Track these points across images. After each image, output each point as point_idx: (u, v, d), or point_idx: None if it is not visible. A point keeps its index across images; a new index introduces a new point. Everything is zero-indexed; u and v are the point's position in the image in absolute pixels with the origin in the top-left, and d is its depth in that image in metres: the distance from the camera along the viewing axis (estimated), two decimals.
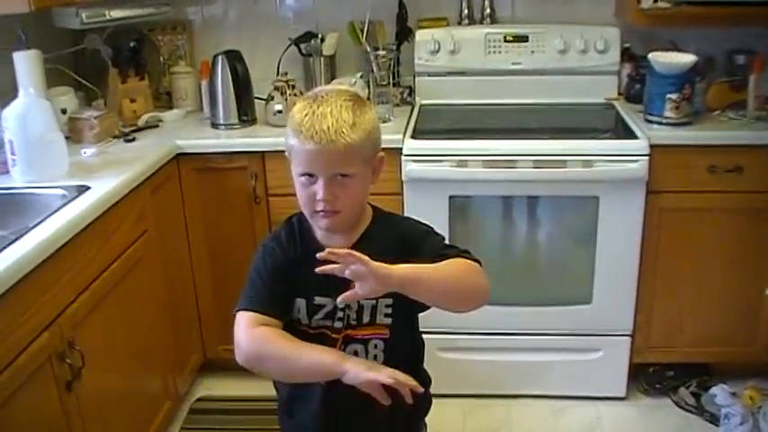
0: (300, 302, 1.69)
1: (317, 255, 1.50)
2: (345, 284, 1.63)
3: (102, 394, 2.38)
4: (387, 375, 1.49)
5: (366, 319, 1.69)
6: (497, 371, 3.17)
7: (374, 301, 1.67)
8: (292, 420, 1.85)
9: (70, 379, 2.13)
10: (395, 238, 1.69)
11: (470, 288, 1.63)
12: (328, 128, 1.54)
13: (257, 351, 1.62)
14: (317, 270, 1.51)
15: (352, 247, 1.67)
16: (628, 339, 3.09)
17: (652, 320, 3.07)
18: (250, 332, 1.62)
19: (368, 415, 1.71)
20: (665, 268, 3.00)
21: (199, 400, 3.24)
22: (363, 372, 1.50)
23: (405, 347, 1.76)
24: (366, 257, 1.47)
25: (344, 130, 1.55)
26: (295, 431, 1.87)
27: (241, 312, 1.66)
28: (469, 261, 1.63)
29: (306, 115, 1.57)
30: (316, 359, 1.56)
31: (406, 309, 1.69)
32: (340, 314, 1.68)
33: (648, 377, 3.21)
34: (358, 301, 1.66)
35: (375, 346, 1.70)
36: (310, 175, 1.60)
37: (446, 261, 1.60)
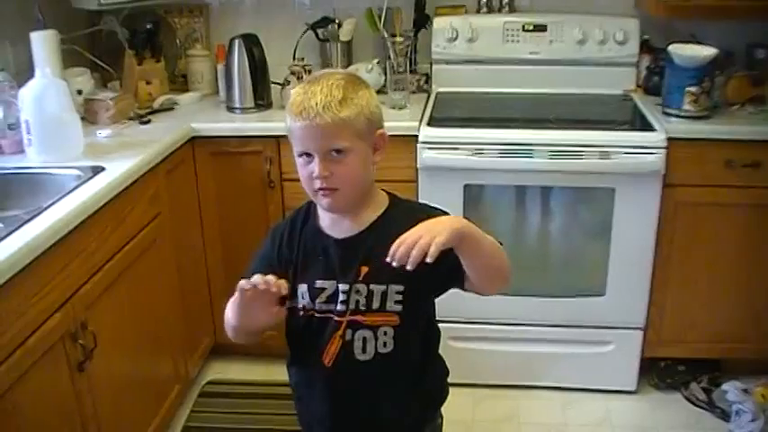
0: (303, 288, 1.70)
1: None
2: (348, 268, 1.66)
3: (114, 376, 2.39)
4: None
5: (376, 304, 1.67)
6: (508, 361, 3.16)
7: (384, 287, 1.66)
8: (302, 405, 1.85)
9: (82, 360, 2.14)
10: (410, 225, 1.63)
11: (504, 266, 1.64)
12: (316, 104, 1.56)
13: (225, 323, 1.75)
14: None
15: (361, 234, 1.68)
16: (640, 333, 3.07)
17: (665, 315, 3.06)
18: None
19: (375, 400, 1.71)
20: (680, 262, 2.99)
21: (209, 383, 3.25)
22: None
23: (416, 336, 1.74)
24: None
25: (332, 104, 1.56)
26: (305, 416, 1.87)
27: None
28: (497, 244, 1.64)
29: (299, 95, 1.60)
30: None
31: (417, 297, 1.68)
32: (343, 297, 1.67)
33: (659, 371, 3.19)
34: (368, 286, 1.66)
35: (385, 333, 1.69)
36: (307, 155, 1.61)
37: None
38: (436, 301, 1.79)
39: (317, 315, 1.70)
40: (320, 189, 1.62)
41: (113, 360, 2.37)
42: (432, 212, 1.70)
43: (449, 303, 1.82)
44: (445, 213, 1.69)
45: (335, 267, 1.68)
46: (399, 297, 1.67)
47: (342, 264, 1.67)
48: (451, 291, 1.75)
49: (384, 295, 1.67)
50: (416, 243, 1.42)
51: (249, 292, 1.54)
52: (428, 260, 1.41)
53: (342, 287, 1.67)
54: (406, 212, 1.70)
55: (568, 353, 3.12)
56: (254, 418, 3.02)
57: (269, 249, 1.76)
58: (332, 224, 1.70)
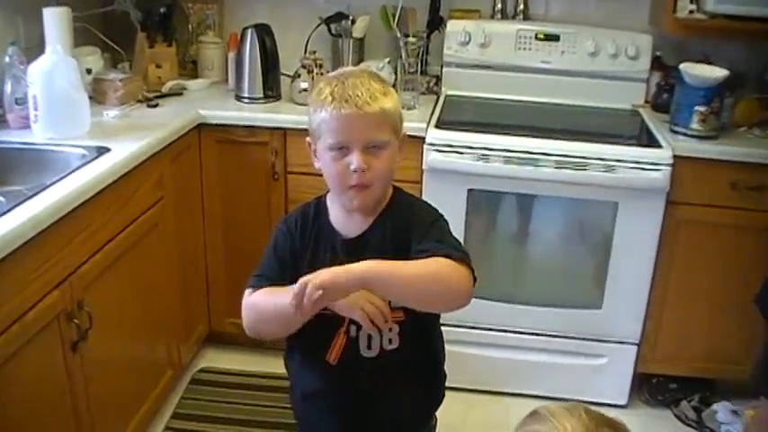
0: None
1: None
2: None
3: (107, 357, 2.38)
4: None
5: None
6: (501, 368, 3.16)
7: None
8: (306, 404, 1.83)
9: (76, 340, 2.13)
10: (403, 226, 1.66)
11: (440, 290, 1.57)
12: (362, 93, 1.55)
13: (254, 318, 1.66)
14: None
15: (365, 234, 1.68)
16: (634, 348, 3.07)
17: (660, 331, 3.06)
18: (245, 303, 1.67)
19: (381, 398, 1.70)
20: (679, 280, 2.99)
21: (201, 371, 3.24)
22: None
23: (420, 333, 1.73)
24: (316, 282, 1.45)
25: (378, 95, 1.56)
26: (308, 415, 1.85)
27: (247, 290, 1.69)
28: (452, 262, 1.56)
29: (335, 86, 1.58)
30: (280, 300, 1.53)
31: None
32: None
33: (651, 388, 3.20)
34: None
35: (390, 330, 1.68)
36: (341, 148, 1.58)
37: (423, 260, 1.56)
38: None
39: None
40: (355, 185, 1.60)
41: (107, 342, 2.37)
42: (427, 213, 1.72)
43: None
44: (436, 213, 1.72)
45: (338, 266, 1.66)
46: None
47: (348, 263, 1.65)
48: None
49: None
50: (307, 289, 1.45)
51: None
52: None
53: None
54: (403, 211, 1.70)
55: (562, 363, 3.12)
56: (244, 409, 3.01)
57: (285, 244, 1.72)
58: (344, 222, 1.69)
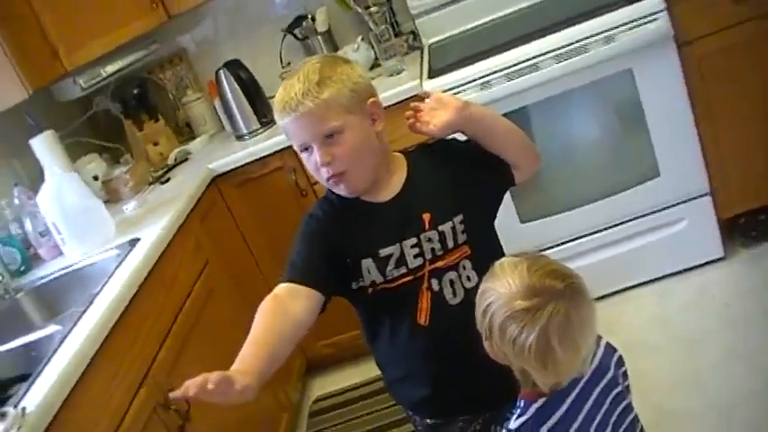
0: (367, 262, 1.66)
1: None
2: (409, 222, 1.65)
3: (218, 427, 2.40)
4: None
5: (450, 244, 1.67)
6: (590, 274, 3.08)
7: (451, 223, 1.66)
8: (405, 383, 1.81)
9: (181, 423, 2.16)
10: (436, 162, 1.74)
11: (527, 141, 1.78)
12: (295, 93, 1.57)
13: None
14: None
15: (405, 188, 1.70)
16: (708, 199, 2.97)
17: (725, 171, 2.95)
18: (266, 298, 1.68)
19: (474, 344, 1.65)
20: (722, 114, 2.88)
21: (315, 401, 3.25)
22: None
23: (489, 259, 1.63)
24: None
25: (311, 89, 1.56)
26: (410, 393, 1.83)
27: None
28: None
29: (279, 93, 1.61)
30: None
31: (478, 219, 1.71)
32: (415, 251, 1.65)
33: (741, 228, 3.08)
34: (437, 230, 1.66)
35: (464, 267, 1.68)
36: (306, 149, 1.62)
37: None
38: None
39: (390, 287, 1.66)
40: (329, 177, 1.62)
41: (212, 413, 2.36)
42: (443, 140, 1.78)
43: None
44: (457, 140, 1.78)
45: (395, 228, 1.66)
46: (463, 226, 1.67)
47: (401, 222, 1.66)
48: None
49: (453, 231, 1.67)
50: (427, 119, 1.71)
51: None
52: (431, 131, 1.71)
53: (409, 242, 1.65)
54: (427, 148, 1.79)
55: (646, 243, 3.04)
56: (372, 417, 3.01)
57: (319, 226, 1.71)
58: (374, 194, 1.70)
